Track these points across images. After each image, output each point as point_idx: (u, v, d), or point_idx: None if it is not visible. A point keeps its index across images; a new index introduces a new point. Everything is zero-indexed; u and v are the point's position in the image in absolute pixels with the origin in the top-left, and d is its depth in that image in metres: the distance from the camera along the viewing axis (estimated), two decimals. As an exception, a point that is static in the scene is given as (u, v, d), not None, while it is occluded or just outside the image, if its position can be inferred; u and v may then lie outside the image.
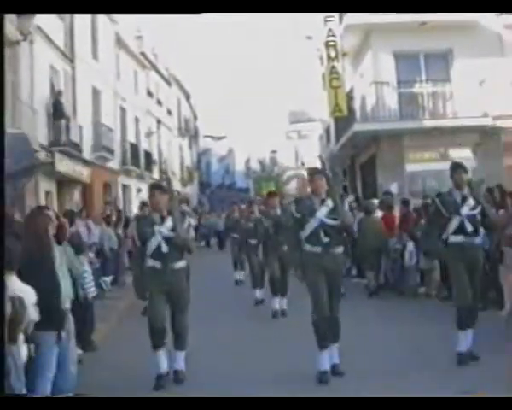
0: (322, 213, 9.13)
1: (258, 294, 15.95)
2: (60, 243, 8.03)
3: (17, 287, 6.35)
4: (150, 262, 9.13)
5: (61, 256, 7.49)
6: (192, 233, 10.17)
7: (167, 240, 9.06)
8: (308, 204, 9.29)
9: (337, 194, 9.40)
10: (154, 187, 9.61)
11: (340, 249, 9.24)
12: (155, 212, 9.28)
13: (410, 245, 16.38)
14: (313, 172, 9.85)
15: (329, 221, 9.08)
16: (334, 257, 9.08)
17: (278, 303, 14.14)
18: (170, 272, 9.04)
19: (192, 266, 9.76)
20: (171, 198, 9.61)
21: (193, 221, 22.07)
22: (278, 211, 14.01)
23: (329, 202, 9.20)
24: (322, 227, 9.06)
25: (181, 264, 9.25)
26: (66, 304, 7.38)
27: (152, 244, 9.09)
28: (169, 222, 9.15)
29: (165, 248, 9.05)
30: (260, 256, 15.68)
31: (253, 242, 16.47)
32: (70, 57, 29.42)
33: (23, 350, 6.39)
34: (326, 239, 9.02)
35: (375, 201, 19.33)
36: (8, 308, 5.91)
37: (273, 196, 14.99)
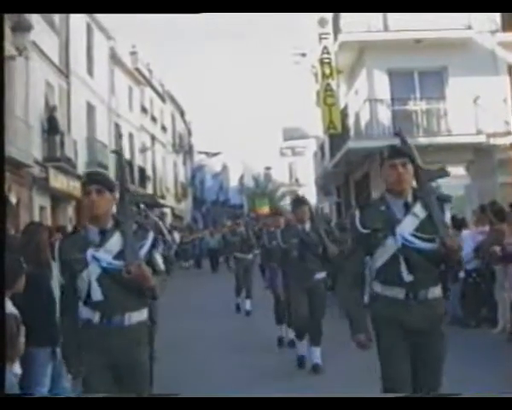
0: (406, 227, 5.31)
1: (283, 332, 12.73)
2: (54, 259, 7.92)
3: (9, 304, 6.29)
4: (84, 313, 5.25)
5: (57, 271, 7.37)
6: (158, 260, 5.41)
7: (110, 274, 5.12)
8: (384, 212, 5.41)
9: (430, 193, 5.42)
10: (90, 180, 5.31)
11: (435, 293, 5.35)
12: (92, 224, 5.32)
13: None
14: (394, 151, 5.43)
15: (419, 242, 5.26)
16: (425, 308, 5.27)
17: (307, 350, 10.49)
18: (116, 332, 5.12)
19: (183, 293, 9.40)
20: (122, 198, 5.38)
21: (174, 238, 21.82)
22: (307, 226, 10.47)
23: (418, 208, 5.35)
24: (405, 253, 5.26)
25: (137, 317, 5.22)
26: None
27: (83, 283, 5.18)
28: (114, 241, 5.20)
29: (105, 290, 5.11)
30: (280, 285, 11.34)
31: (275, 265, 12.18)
32: (65, 73, 29.42)
33: (17, 367, 6.34)
34: (410, 277, 5.24)
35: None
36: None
37: (301, 204, 10.70)
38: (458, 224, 13.60)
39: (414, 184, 5.41)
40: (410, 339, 5.21)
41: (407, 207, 5.34)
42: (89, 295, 5.13)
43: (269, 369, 10.37)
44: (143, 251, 5.21)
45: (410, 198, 5.38)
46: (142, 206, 12.21)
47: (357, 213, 5.47)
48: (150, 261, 5.24)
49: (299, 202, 10.84)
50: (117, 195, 5.40)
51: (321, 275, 10.35)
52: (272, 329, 12.96)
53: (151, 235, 5.40)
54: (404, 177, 5.30)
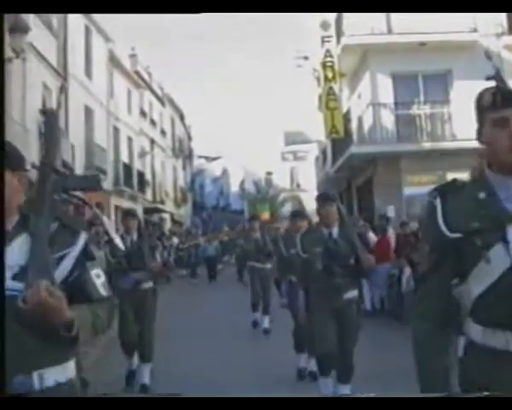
0: None
1: (305, 362, 10.49)
2: None
3: None
4: None
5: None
6: (94, 279, 3.24)
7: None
8: (485, 202, 3.05)
9: None
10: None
11: None
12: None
13: (407, 270, 16.00)
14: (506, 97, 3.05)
15: None
16: None
17: (333, 389, 8.21)
18: None
19: (182, 308, 9.09)
20: (42, 181, 3.30)
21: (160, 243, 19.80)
22: (335, 231, 8.19)
23: None
24: None
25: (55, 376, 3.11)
26: None
27: None
28: (17, 248, 3.08)
29: None
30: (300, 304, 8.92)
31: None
32: (63, 75, 29.10)
33: None
34: None
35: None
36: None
37: (328, 202, 8.28)
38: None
39: None
40: None
41: None
42: None
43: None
44: (65, 265, 3.19)
45: None
46: (77, 193, 11.36)
47: (439, 204, 3.14)
48: (78, 281, 3.21)
49: (324, 199, 8.36)
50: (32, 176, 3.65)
51: (352, 293, 8.14)
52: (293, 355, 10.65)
53: (82, 238, 3.33)
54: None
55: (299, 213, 11.22)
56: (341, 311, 7.99)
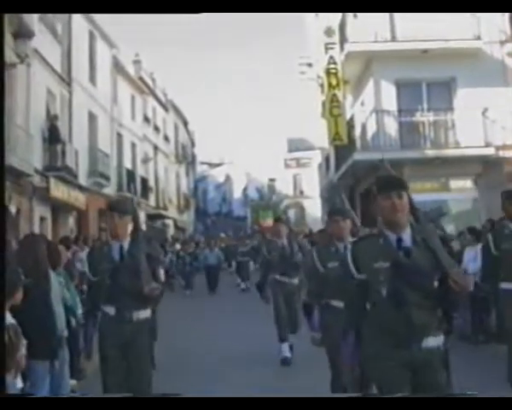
0: None
1: None
2: (54, 270, 8.00)
3: (8, 316, 6.05)
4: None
5: (55, 283, 7.52)
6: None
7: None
8: None
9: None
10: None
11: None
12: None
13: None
14: None
15: None
16: None
17: None
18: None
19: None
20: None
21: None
22: (407, 235, 5.19)
23: None
24: None
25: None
26: (63, 332, 7.47)
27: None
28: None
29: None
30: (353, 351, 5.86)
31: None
32: (67, 81, 29.17)
33: (18, 381, 6.10)
34: None
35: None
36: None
37: (401, 198, 5.30)
38: (476, 234, 13.79)
39: None
40: None
41: None
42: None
43: None
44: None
45: None
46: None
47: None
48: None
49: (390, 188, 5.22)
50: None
51: (437, 339, 5.08)
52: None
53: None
54: None
55: (340, 211, 8.08)
56: (421, 364, 5.02)
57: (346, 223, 7.72)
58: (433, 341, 5.07)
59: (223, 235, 33.56)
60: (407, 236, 5.15)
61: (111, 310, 7.07)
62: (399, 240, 5.16)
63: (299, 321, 12.31)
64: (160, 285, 7.11)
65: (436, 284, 5.07)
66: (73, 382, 9.66)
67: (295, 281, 12.81)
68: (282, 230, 13.47)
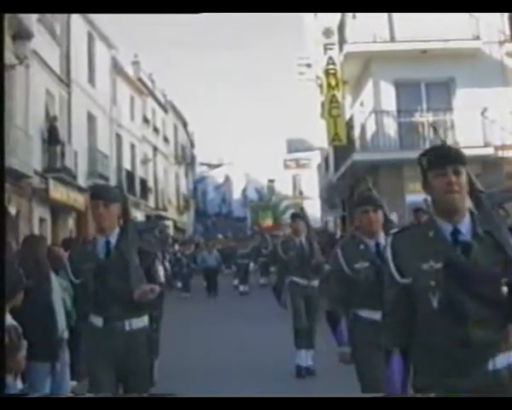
0: None
1: None
2: (56, 272, 7.90)
3: (9, 317, 6.06)
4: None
5: (56, 285, 7.44)
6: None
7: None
8: None
9: None
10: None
11: None
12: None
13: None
14: None
15: None
16: None
17: None
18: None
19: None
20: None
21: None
22: (446, 228, 3.86)
23: None
24: None
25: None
26: (64, 334, 7.39)
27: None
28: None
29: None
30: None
31: None
32: (66, 82, 29.17)
33: (18, 382, 6.10)
34: None
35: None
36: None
37: (458, 175, 3.93)
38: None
39: None
40: None
41: None
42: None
43: None
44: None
45: None
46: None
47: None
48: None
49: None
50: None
51: (504, 358, 3.78)
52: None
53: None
54: None
55: (371, 200, 6.56)
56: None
57: (378, 215, 6.33)
58: (503, 359, 3.76)
59: (220, 236, 32.62)
60: (466, 227, 3.93)
61: (98, 320, 5.86)
62: (456, 232, 3.91)
63: (315, 332, 11.42)
64: (157, 287, 5.70)
65: (505, 290, 3.81)
66: (74, 383, 9.68)
67: (315, 283, 11.66)
68: (300, 227, 12.04)
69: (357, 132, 27.07)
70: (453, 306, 3.74)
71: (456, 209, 3.85)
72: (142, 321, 5.93)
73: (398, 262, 3.95)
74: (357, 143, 26.47)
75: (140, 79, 45.10)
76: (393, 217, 23.22)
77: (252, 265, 31.36)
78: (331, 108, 26.80)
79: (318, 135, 35.96)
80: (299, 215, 12.43)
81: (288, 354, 11.37)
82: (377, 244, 6.23)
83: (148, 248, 6.21)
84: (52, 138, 25.97)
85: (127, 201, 6.32)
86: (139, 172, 43.32)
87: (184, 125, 64.41)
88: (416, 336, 3.93)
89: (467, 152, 15.58)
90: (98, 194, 6.00)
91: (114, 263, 5.83)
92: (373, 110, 25.09)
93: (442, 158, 3.93)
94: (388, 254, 4.02)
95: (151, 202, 45.79)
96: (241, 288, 28.79)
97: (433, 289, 3.78)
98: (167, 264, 25.98)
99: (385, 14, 23.89)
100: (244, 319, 18.34)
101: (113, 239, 5.92)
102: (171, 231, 50.31)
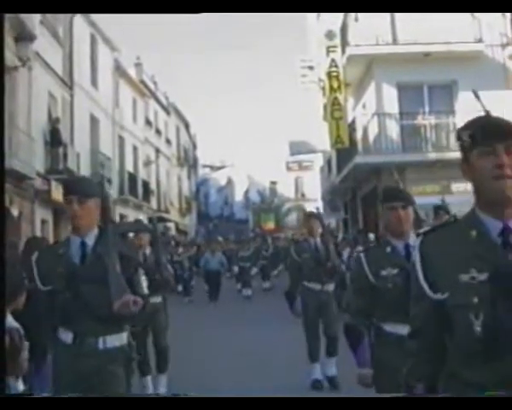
0: None
1: None
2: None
3: (11, 319, 6.02)
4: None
5: None
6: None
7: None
8: None
9: None
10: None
11: None
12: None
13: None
14: None
15: None
16: None
17: None
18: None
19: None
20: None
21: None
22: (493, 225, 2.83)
23: None
24: None
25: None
26: None
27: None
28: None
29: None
30: None
31: None
32: (68, 84, 29.18)
33: (19, 384, 6.07)
34: None
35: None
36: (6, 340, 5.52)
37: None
38: None
39: None
40: None
41: None
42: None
43: None
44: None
45: None
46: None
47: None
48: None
49: None
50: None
51: None
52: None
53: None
54: None
55: (400, 196, 5.55)
56: None
57: (408, 212, 5.35)
58: None
59: (220, 238, 31.67)
60: None
61: (67, 336, 5.08)
62: (507, 231, 2.84)
63: (337, 337, 10.12)
64: (139, 299, 4.68)
65: None
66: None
67: (329, 288, 10.77)
68: (315, 226, 10.97)
69: (359, 135, 27.03)
70: (503, 333, 2.72)
71: (508, 200, 2.81)
72: (120, 339, 5.07)
73: (428, 271, 2.94)
74: (360, 146, 26.42)
75: (142, 81, 45.11)
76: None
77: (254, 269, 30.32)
78: (333, 111, 26.80)
79: (321, 137, 35.91)
80: (315, 214, 11.49)
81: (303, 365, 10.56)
82: (407, 246, 5.20)
83: (130, 253, 5.31)
84: (54, 140, 25.97)
85: (108, 197, 5.57)
86: (141, 174, 43.32)
87: (186, 127, 64.39)
88: (450, 369, 2.95)
89: (469, 155, 15.32)
90: (72, 189, 5.08)
91: (90, 268, 4.97)
92: (375, 113, 25.06)
93: (490, 132, 2.91)
94: (417, 259, 3.00)
95: (153, 204, 45.77)
96: (245, 292, 27.52)
97: (475, 308, 2.78)
98: (170, 268, 25.33)
99: (387, 17, 23.89)
100: (253, 324, 17.32)
101: (90, 241, 5.06)
102: (173, 233, 50.29)
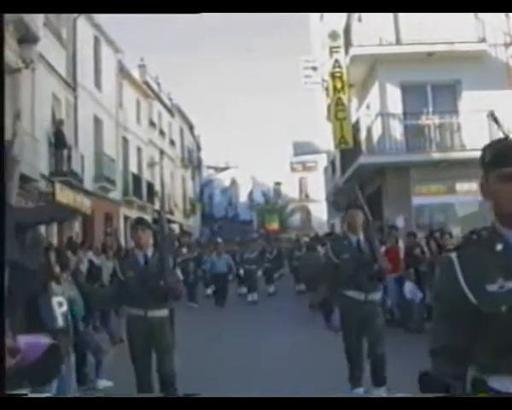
0: None
1: None
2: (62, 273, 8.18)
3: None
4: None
5: (59, 287, 7.44)
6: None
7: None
8: None
9: None
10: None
11: None
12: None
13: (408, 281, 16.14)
14: None
15: None
16: None
17: None
18: None
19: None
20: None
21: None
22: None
23: None
24: None
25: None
26: (69, 338, 7.58)
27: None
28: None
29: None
30: None
31: None
32: (72, 86, 29.19)
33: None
34: None
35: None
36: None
37: None
38: None
39: None
40: None
41: None
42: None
43: None
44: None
45: None
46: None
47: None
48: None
49: None
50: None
51: None
52: None
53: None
54: None
55: None
56: None
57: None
58: None
59: (219, 240, 30.37)
60: None
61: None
62: None
63: (385, 359, 8.75)
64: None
65: None
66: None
67: (375, 297, 9.07)
68: (358, 219, 9.27)
69: (363, 135, 27.01)
70: None
71: None
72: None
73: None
74: (364, 146, 26.40)
75: (146, 83, 45.14)
76: (399, 221, 23.27)
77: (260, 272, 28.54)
78: (337, 111, 26.77)
79: (325, 138, 35.94)
80: (357, 204, 9.56)
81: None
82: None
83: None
84: (58, 142, 25.98)
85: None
86: (146, 176, 43.36)
87: (190, 128, 64.42)
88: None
89: (473, 155, 15.51)
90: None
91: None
92: (379, 113, 25.05)
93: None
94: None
95: (157, 206, 45.80)
96: (250, 297, 25.83)
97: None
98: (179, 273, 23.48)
99: (391, 17, 23.88)
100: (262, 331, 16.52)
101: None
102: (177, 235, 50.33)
